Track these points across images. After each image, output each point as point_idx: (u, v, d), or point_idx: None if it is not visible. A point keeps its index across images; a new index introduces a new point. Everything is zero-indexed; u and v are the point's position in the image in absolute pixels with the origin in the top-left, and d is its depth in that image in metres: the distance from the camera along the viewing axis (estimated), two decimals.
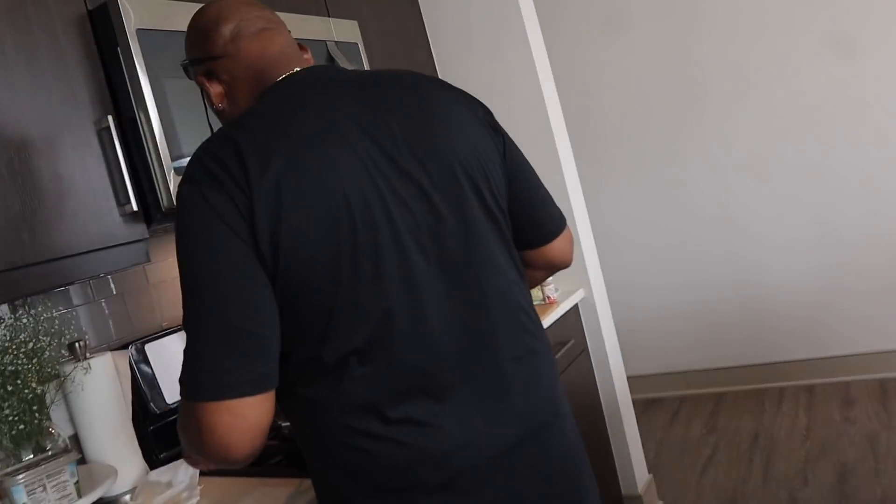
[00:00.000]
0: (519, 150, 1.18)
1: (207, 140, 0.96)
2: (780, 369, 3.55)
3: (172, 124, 1.37)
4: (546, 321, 2.25)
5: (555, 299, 2.36)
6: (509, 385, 1.03)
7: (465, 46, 2.59)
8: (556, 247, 1.22)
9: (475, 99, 1.14)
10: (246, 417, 0.88)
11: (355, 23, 2.06)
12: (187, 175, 0.93)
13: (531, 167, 1.19)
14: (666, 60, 3.51)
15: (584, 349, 2.53)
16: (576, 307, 2.52)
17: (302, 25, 1.82)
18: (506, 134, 1.15)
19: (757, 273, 3.52)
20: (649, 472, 2.80)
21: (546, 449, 1.07)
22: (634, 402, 3.71)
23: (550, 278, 2.36)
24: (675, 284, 3.68)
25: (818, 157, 3.31)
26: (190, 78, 1.11)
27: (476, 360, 1.01)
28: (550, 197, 1.22)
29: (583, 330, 2.55)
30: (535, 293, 2.43)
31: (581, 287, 2.53)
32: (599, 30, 3.60)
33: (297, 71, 1.04)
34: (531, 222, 1.18)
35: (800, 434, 3.05)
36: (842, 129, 3.25)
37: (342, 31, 1.97)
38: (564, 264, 1.26)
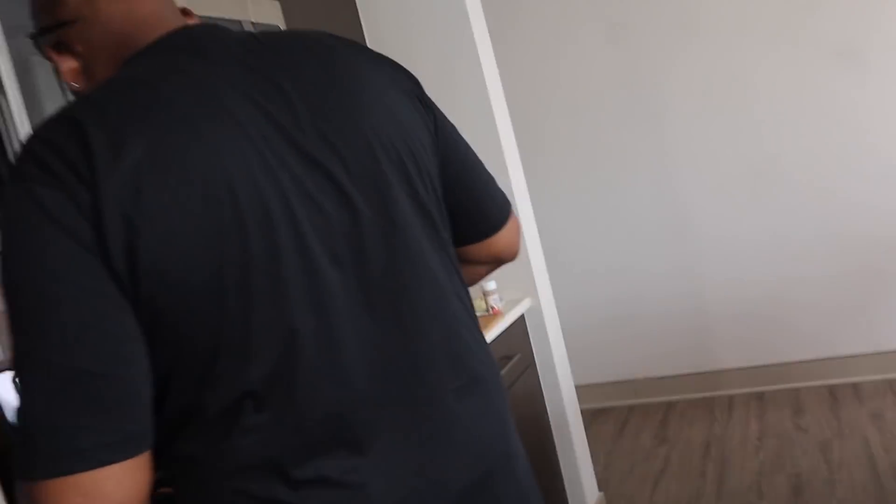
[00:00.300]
0: (453, 127, 0.98)
1: (42, 123, 0.73)
2: (729, 376, 3.46)
3: (40, 109, 1.14)
4: (490, 334, 2.07)
5: (499, 310, 2.19)
6: (451, 424, 0.84)
7: (403, 36, 2.39)
8: (502, 238, 1.02)
9: (400, 66, 0.94)
10: (108, 495, 0.65)
11: (277, 3, 1.85)
12: (13, 170, 0.70)
13: (469, 147, 1.00)
14: (618, 69, 3.38)
15: (531, 363, 2.36)
16: (522, 317, 2.35)
17: (214, 3, 1.60)
18: (437, 108, 0.95)
19: (706, 280, 3.42)
20: (599, 489, 2.65)
21: (496, 500, 0.89)
22: (581, 412, 3.58)
23: (493, 284, 2.18)
24: (622, 292, 3.56)
25: (769, 166, 3.22)
26: (40, 53, 0.87)
27: (408, 396, 0.81)
28: (493, 179, 1.02)
29: (529, 342, 2.38)
30: (478, 304, 2.25)
31: (528, 296, 2.36)
32: (550, 33, 3.45)
33: (170, 33, 0.80)
34: (471, 213, 0.98)
35: (752, 444, 2.94)
36: (794, 140, 3.17)
37: (261, 11, 1.76)
38: (511, 256, 1.07)
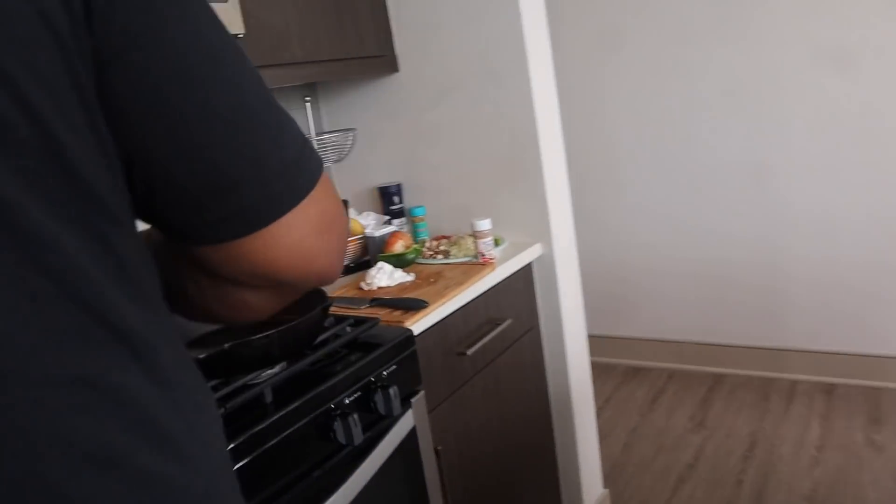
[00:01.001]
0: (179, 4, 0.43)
1: None
2: (796, 358, 2.84)
3: None
4: (470, 291, 1.52)
5: (490, 259, 1.62)
6: None
7: None
8: (276, 238, 0.47)
9: None
10: None
11: None
12: None
13: (215, 44, 0.45)
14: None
15: (532, 328, 1.81)
16: (529, 267, 1.79)
17: None
18: None
19: (789, 242, 2.75)
20: (605, 485, 2.15)
21: None
22: (616, 367, 3.07)
23: (488, 223, 1.61)
24: (682, 238, 2.93)
25: (883, 136, 2.47)
26: None
27: None
28: (273, 114, 0.47)
29: (535, 301, 1.83)
30: (467, 246, 1.69)
31: (539, 241, 1.79)
32: None
33: None
34: (196, 183, 0.45)
35: (809, 454, 2.36)
36: None
37: None
38: (318, 276, 0.51)
